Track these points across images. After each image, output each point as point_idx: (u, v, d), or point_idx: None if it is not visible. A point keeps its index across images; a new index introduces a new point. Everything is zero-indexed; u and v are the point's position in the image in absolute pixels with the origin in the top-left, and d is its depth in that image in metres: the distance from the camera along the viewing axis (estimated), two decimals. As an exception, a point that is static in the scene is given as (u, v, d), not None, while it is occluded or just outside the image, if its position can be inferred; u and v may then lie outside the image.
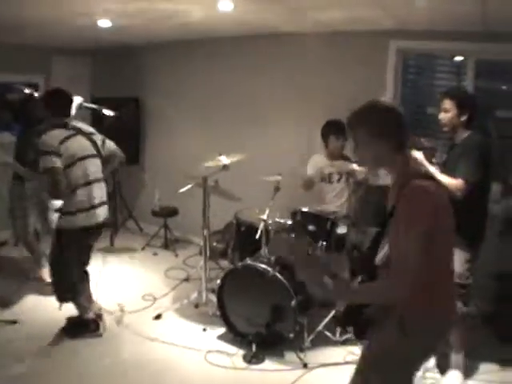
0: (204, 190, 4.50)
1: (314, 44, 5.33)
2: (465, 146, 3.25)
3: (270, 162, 5.08)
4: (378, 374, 2.16)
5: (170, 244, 6.46)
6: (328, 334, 3.99)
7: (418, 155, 3.22)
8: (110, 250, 6.17)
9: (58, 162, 3.60)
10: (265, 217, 4.08)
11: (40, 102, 4.01)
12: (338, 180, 4.63)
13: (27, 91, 4.03)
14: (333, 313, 3.99)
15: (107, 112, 4.48)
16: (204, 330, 4.21)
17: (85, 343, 3.91)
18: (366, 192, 4.56)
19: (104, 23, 4.98)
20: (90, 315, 4.01)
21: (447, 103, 3.31)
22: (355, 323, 2.17)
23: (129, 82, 6.89)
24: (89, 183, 3.80)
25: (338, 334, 3.98)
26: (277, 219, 4.21)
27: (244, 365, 3.71)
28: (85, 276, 4.07)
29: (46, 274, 5.04)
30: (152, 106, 6.89)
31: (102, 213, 3.91)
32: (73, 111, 4.25)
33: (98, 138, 4.02)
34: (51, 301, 4.06)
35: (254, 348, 3.78)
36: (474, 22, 4.17)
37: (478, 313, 3.97)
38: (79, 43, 6.33)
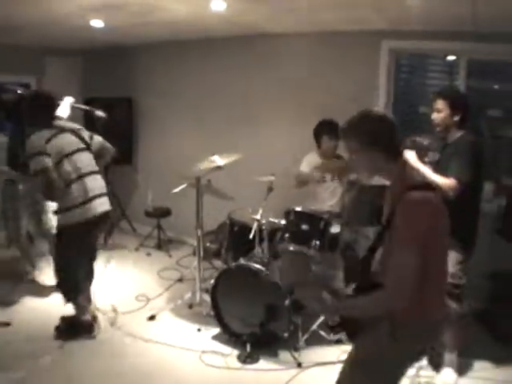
0: (197, 190, 4.49)
1: (307, 44, 5.36)
2: (457, 146, 3.26)
3: (263, 162, 5.09)
4: (365, 376, 2.15)
5: (163, 244, 6.45)
6: (322, 333, 4.00)
7: (411, 155, 3.24)
8: (104, 250, 6.14)
9: (49, 162, 3.60)
10: (258, 217, 4.09)
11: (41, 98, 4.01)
12: (332, 179, 4.63)
13: (20, 91, 4.03)
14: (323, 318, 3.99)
15: (98, 113, 4.48)
16: (198, 330, 4.20)
17: (79, 345, 3.89)
18: (360, 192, 4.56)
19: (96, 23, 4.97)
20: (87, 317, 4.00)
21: (440, 103, 3.32)
22: (347, 327, 2.18)
23: (121, 82, 6.88)
24: (82, 177, 3.78)
25: (332, 334, 3.98)
26: (270, 219, 4.21)
27: (238, 365, 3.71)
28: (90, 274, 4.06)
29: (40, 276, 5.04)
30: (145, 106, 6.88)
31: (100, 205, 3.86)
32: (66, 111, 4.24)
33: (86, 133, 4.02)
34: (47, 302, 4.05)
35: (248, 348, 3.78)
36: (466, 22, 4.19)
37: (471, 311, 3.99)
38: (72, 43, 6.31)
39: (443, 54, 5.03)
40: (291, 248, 4.05)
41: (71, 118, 4.31)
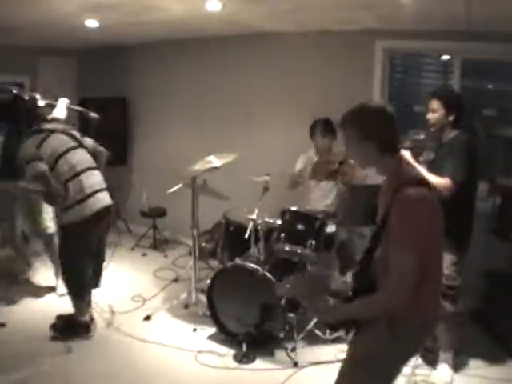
0: (193, 190, 4.49)
1: (301, 44, 5.37)
2: (452, 146, 3.27)
3: (259, 162, 5.08)
4: (364, 373, 2.15)
5: (158, 244, 6.45)
6: (318, 332, 4.00)
7: (405, 154, 3.24)
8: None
9: (43, 167, 3.60)
10: (254, 216, 4.09)
11: (27, 102, 4.00)
12: (327, 179, 4.63)
13: (15, 91, 4.02)
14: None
15: (92, 115, 4.47)
16: (194, 330, 4.20)
17: (75, 345, 3.87)
18: (354, 191, 4.57)
19: (91, 23, 4.96)
20: (85, 318, 3.99)
21: (435, 103, 3.33)
22: (345, 326, 2.19)
23: (116, 82, 6.86)
24: (78, 174, 3.77)
25: (327, 333, 3.98)
26: (266, 219, 4.21)
27: (235, 365, 3.71)
28: (96, 275, 4.08)
29: (35, 276, 5.03)
30: (140, 106, 6.87)
31: (100, 200, 3.85)
32: (63, 113, 4.23)
33: (77, 133, 4.03)
34: (42, 302, 4.03)
35: (244, 348, 3.77)
36: (460, 21, 4.21)
37: (467, 310, 4.00)
38: (66, 43, 6.29)
39: (437, 53, 5.05)
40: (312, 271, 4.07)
41: (66, 119, 4.31)
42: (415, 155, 3.26)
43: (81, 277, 3.90)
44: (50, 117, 4.07)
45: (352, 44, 5.11)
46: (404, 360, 2.21)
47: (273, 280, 3.73)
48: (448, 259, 3.14)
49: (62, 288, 4.58)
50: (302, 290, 3.97)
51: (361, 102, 2.14)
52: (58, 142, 3.79)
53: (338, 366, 2.33)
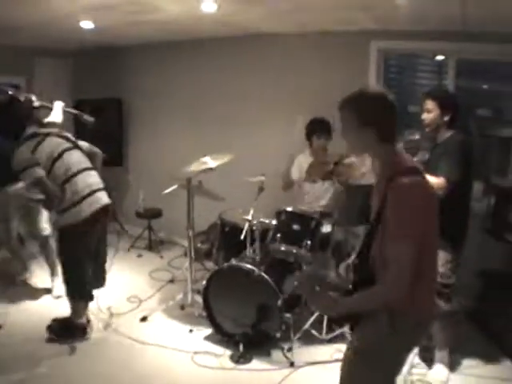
0: (188, 191, 4.49)
1: (297, 45, 5.38)
2: (447, 146, 3.28)
3: (255, 163, 5.09)
4: (365, 367, 2.15)
5: (154, 245, 6.44)
6: (314, 332, 4.00)
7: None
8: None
9: (40, 172, 3.60)
10: (249, 217, 4.09)
11: (23, 103, 3.99)
12: (323, 180, 4.63)
13: (11, 92, 4.01)
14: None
15: (87, 118, 4.47)
16: (190, 331, 4.20)
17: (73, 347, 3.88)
18: (350, 191, 4.57)
19: (87, 24, 4.96)
20: (82, 320, 3.99)
21: (429, 104, 3.34)
22: (350, 320, 2.20)
23: (111, 83, 6.85)
24: (74, 175, 3.76)
25: (324, 333, 3.99)
26: (261, 219, 4.22)
27: (231, 365, 3.71)
28: (96, 277, 4.06)
29: (31, 278, 5.02)
30: (135, 106, 6.86)
31: (97, 200, 3.84)
32: (59, 117, 4.22)
33: (70, 135, 4.03)
34: (39, 304, 4.02)
35: (241, 348, 3.78)
36: (454, 21, 4.22)
37: (462, 309, 4.02)
38: (62, 45, 6.29)
39: (432, 53, 5.06)
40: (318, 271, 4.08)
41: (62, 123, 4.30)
42: (410, 155, 3.27)
43: (80, 277, 3.89)
44: (46, 121, 4.06)
45: (348, 45, 5.12)
46: (404, 354, 2.20)
47: (269, 280, 3.73)
48: (443, 257, 3.15)
49: (58, 290, 4.58)
50: (306, 285, 3.98)
51: (359, 88, 2.10)
52: (54, 144, 3.78)
53: (334, 366, 2.34)
